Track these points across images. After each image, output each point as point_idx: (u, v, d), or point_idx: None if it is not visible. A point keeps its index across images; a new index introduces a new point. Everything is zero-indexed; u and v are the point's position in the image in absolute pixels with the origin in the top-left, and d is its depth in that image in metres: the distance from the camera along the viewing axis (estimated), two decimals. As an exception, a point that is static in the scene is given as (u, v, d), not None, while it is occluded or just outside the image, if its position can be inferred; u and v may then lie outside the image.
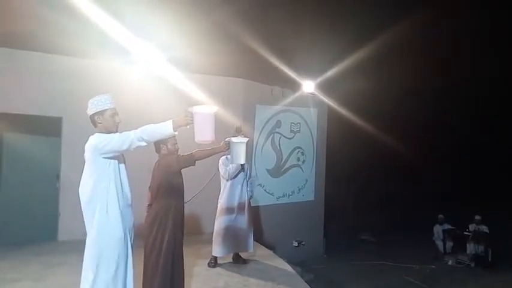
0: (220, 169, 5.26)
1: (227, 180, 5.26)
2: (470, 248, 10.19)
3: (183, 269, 3.73)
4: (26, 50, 5.97)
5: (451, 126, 14.38)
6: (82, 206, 2.78)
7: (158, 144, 3.68)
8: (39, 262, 5.22)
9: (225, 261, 5.42)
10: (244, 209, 5.33)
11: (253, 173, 5.52)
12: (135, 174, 3.02)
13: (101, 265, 2.72)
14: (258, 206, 8.00)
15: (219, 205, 5.30)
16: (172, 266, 3.56)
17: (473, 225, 10.43)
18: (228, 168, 5.18)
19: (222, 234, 5.20)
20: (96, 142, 2.70)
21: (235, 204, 5.27)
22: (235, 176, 5.27)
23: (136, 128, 2.74)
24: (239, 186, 5.31)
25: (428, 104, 11.85)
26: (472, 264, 9.87)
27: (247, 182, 5.46)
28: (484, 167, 15.93)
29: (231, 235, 5.22)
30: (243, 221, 5.31)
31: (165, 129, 2.73)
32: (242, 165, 5.11)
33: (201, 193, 4.67)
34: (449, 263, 10.20)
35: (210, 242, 5.34)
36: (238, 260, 5.45)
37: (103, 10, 4.08)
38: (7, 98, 5.92)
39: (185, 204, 3.84)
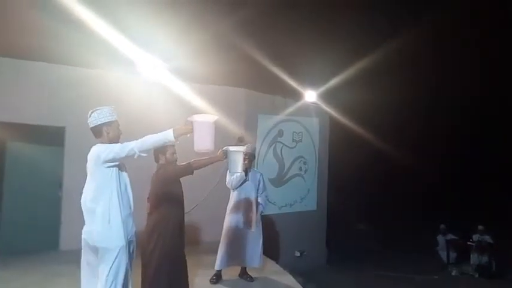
0: (226, 178, 5.09)
1: (232, 189, 5.12)
2: (474, 258, 10.10)
3: (187, 280, 3.71)
4: (29, 60, 6.03)
5: (455, 135, 14.31)
6: (84, 215, 2.80)
7: (157, 154, 3.69)
8: (42, 271, 5.22)
9: (231, 277, 5.18)
10: (251, 221, 5.03)
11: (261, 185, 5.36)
12: (135, 182, 3.04)
13: (102, 274, 2.72)
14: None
15: (226, 216, 5.13)
16: (169, 278, 3.50)
17: (477, 235, 10.36)
18: (232, 178, 4.96)
19: (223, 246, 5.00)
20: (98, 152, 2.74)
21: (241, 215, 5.02)
22: (241, 186, 5.06)
23: (138, 138, 2.77)
24: (245, 197, 5.05)
25: (432, 113, 11.84)
26: (476, 275, 9.79)
27: (257, 193, 5.16)
28: (488, 176, 15.83)
29: (234, 247, 4.97)
30: (250, 234, 5.01)
31: (165, 137, 2.77)
32: (246, 175, 4.98)
33: (202, 202, 4.62)
34: (453, 273, 10.12)
35: (211, 251, 5.21)
36: (245, 277, 5.19)
37: (107, 21, 4.13)
38: (11, 108, 5.97)
39: (185, 214, 3.84)
